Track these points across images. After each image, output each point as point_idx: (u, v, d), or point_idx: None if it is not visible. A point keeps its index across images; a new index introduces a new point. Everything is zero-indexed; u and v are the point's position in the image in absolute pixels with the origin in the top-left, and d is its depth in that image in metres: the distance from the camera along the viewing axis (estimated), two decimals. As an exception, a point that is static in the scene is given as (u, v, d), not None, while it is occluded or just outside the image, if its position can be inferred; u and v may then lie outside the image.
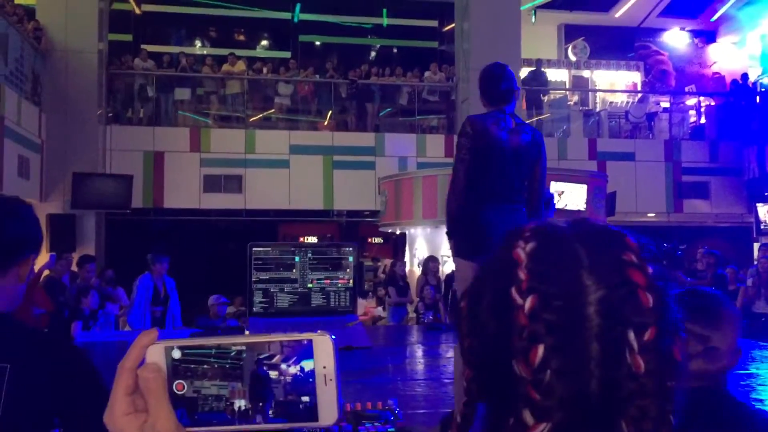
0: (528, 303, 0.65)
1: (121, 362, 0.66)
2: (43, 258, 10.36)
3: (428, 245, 11.69)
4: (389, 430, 2.56)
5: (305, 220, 14.32)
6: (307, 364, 0.66)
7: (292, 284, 2.88)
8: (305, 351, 0.66)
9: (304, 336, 0.67)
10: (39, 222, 1.55)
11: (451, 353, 6.60)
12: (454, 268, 9.90)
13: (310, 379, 0.66)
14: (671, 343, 0.67)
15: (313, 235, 15.02)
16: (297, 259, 2.90)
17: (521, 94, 13.73)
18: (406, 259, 12.06)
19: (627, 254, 0.67)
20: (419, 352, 6.80)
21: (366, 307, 6.88)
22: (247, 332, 2.75)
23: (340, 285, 2.91)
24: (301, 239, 14.99)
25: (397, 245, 13.98)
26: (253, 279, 2.82)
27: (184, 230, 13.97)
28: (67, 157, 11.42)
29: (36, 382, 1.37)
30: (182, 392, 0.66)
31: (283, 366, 0.66)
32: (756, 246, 13.37)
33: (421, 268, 10.50)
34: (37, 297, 7.75)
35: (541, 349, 0.64)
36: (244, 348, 0.66)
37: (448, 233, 3.52)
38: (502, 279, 0.68)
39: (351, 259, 2.97)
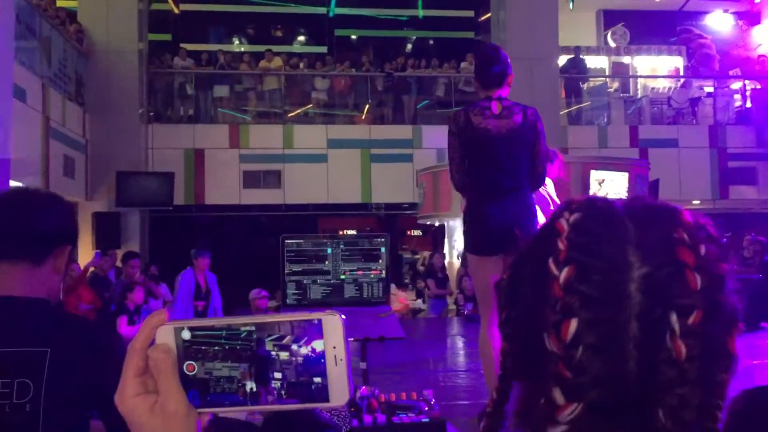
0: (564, 274, 0.62)
1: (131, 343, 0.67)
2: (89, 255, 10.64)
3: (467, 237, 11.65)
4: (423, 420, 2.56)
5: (344, 213, 14.38)
6: (318, 345, 0.66)
7: (325, 276, 2.90)
8: (315, 331, 0.66)
9: (314, 315, 0.66)
10: (73, 214, 1.59)
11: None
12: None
13: (321, 360, 0.66)
14: (724, 333, 0.62)
15: (352, 229, 15.09)
16: (329, 250, 2.91)
17: (560, 82, 13.57)
18: (445, 251, 12.05)
19: (678, 231, 0.64)
20: (459, 343, 6.80)
21: (400, 297, 6.87)
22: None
23: (372, 276, 2.92)
24: (341, 233, 15.08)
25: (435, 237, 13.95)
26: (286, 271, 2.85)
27: (224, 226, 14.18)
28: (110, 156, 11.65)
29: (75, 367, 1.41)
30: (193, 373, 0.67)
31: (294, 347, 0.66)
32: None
33: (460, 260, 10.48)
34: (83, 293, 7.95)
35: (574, 323, 0.61)
36: (254, 329, 0.66)
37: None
38: (542, 249, 0.65)
39: (383, 249, 2.97)
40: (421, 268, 12.21)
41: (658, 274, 0.62)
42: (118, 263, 9.08)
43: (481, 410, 3.51)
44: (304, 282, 2.84)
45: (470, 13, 17.58)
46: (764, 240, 8.97)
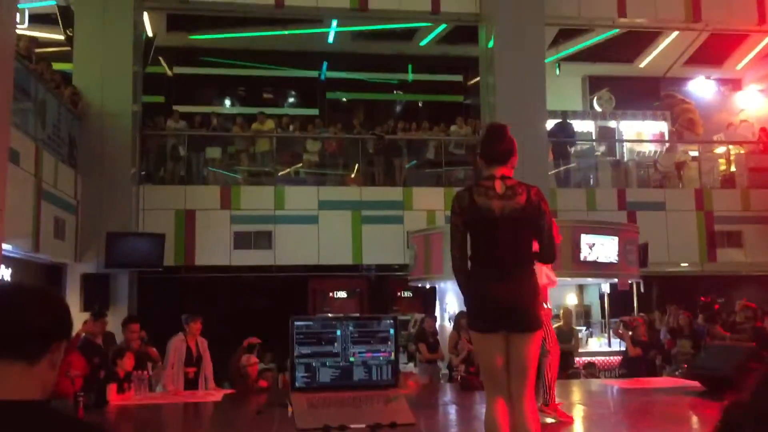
0: None
1: None
2: (77, 318, 10.49)
3: (458, 300, 11.61)
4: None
5: (335, 275, 14.34)
6: None
7: (334, 358, 2.88)
8: None
9: None
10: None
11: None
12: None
13: None
14: None
15: (343, 290, 15.03)
16: (338, 332, 2.90)
17: (548, 146, 13.78)
18: (437, 313, 11.99)
19: None
20: (452, 411, 6.70)
21: (411, 381, 6.80)
22: (290, 408, 2.74)
23: (381, 358, 2.90)
24: (331, 294, 15.00)
25: (426, 299, 13.90)
26: (296, 354, 2.83)
27: (215, 287, 14.07)
28: (101, 217, 11.63)
29: None
30: None
31: None
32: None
33: (452, 323, 10.42)
34: (74, 361, 7.81)
35: None
36: None
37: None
38: (765, 423, 0.62)
39: (392, 331, 2.96)
40: (411, 330, 12.13)
41: None
42: (109, 328, 8.94)
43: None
44: (313, 365, 2.82)
45: (459, 78, 17.94)
46: (756, 307, 9.02)
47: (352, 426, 2.67)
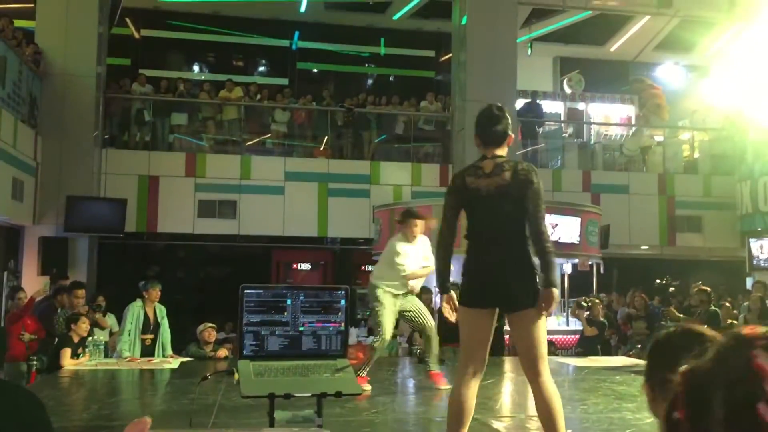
0: None
1: None
2: (34, 281, 10.33)
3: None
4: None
5: (299, 246, 14.30)
6: None
7: (284, 327, 2.86)
8: None
9: None
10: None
11: (443, 387, 6.54)
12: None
13: None
14: None
15: (307, 262, 15.01)
16: (289, 301, 2.88)
17: (517, 126, 13.83)
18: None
19: None
20: (411, 387, 6.76)
21: (358, 353, 6.90)
22: (236, 375, 2.73)
23: (331, 329, 2.90)
24: (295, 266, 14.97)
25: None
26: (244, 321, 2.81)
27: (177, 255, 13.95)
28: (61, 180, 11.42)
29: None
30: None
31: None
32: (749, 281, 13.44)
33: (414, 299, 10.47)
34: (28, 323, 7.71)
35: None
36: None
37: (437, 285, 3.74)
38: (738, 393, 0.62)
39: (343, 302, 2.96)
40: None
41: None
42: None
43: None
44: (262, 333, 2.81)
45: (431, 53, 17.86)
46: (710, 290, 9.21)
47: (298, 394, 2.67)
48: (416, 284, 6.29)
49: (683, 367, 0.71)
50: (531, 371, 3.40)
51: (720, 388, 0.64)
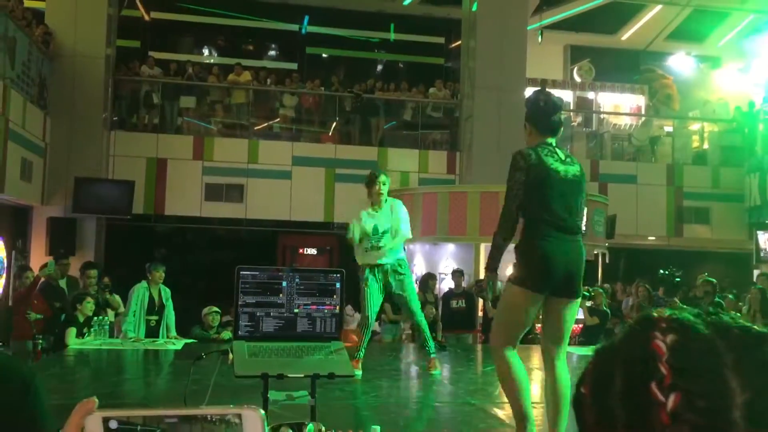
0: (671, 401, 0.60)
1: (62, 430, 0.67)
2: (42, 260, 10.42)
3: (426, 262, 11.70)
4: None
5: (305, 231, 14.33)
6: None
7: (279, 309, 2.89)
8: (227, 430, 0.67)
9: (234, 410, 0.67)
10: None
11: (445, 373, 6.59)
12: (452, 286, 9.84)
13: None
14: None
15: (313, 248, 15.04)
16: (284, 284, 2.91)
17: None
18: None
19: None
20: (413, 372, 6.80)
21: (352, 335, 6.83)
22: (230, 355, 2.76)
23: (326, 311, 2.92)
24: (301, 251, 15.01)
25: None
26: (240, 302, 2.84)
27: (183, 238, 14.01)
28: (70, 162, 11.48)
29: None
30: None
31: None
32: (756, 273, 13.39)
33: (418, 285, 10.50)
34: (35, 302, 7.78)
35: None
36: (168, 429, 0.67)
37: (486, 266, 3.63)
38: (636, 370, 0.63)
39: (339, 285, 2.98)
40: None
41: (762, 401, 0.61)
42: (72, 271, 8.91)
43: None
44: (257, 314, 2.84)
45: (441, 40, 17.78)
46: (715, 282, 9.19)
47: (291, 375, 2.70)
48: (385, 251, 5.81)
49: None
50: (557, 355, 3.48)
51: (621, 365, 0.66)
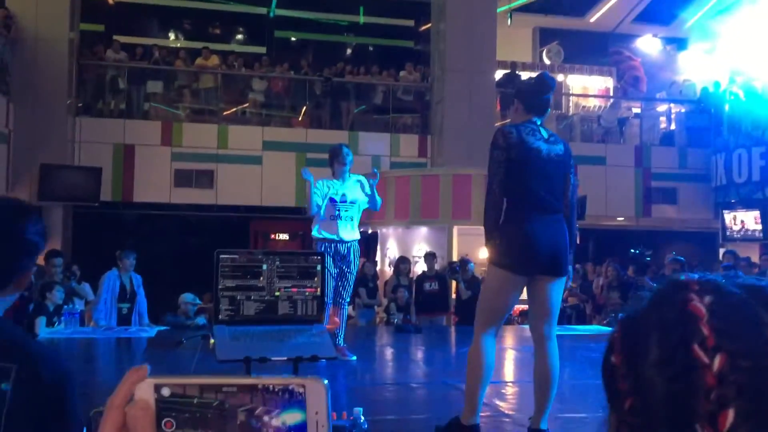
0: (717, 362, 0.60)
1: (110, 399, 0.64)
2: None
3: (399, 246, 11.71)
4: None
5: (277, 217, 14.24)
6: (298, 415, 0.64)
7: (259, 292, 2.86)
8: (297, 398, 0.64)
9: (298, 381, 0.65)
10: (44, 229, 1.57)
11: (420, 355, 6.63)
12: (425, 269, 9.86)
13: (303, 429, 0.64)
14: None
15: (285, 233, 14.96)
16: (264, 266, 2.88)
17: (496, 96, 13.81)
18: (377, 258, 12.06)
19: None
20: (389, 354, 6.82)
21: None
22: (212, 340, 2.73)
23: (307, 294, 2.90)
24: (273, 236, 14.93)
25: (368, 244, 13.94)
26: (220, 286, 2.80)
27: (153, 225, 13.83)
28: (35, 148, 11.24)
29: (37, 387, 1.36)
30: (171, 430, 0.64)
31: (266, 418, 0.64)
32: (721, 251, 13.64)
33: (392, 269, 10.51)
34: (0, 292, 7.62)
35: (731, 414, 0.58)
36: (226, 399, 0.64)
37: (487, 244, 3.51)
38: (674, 334, 0.62)
39: (318, 267, 2.95)
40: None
41: None
42: (40, 261, 8.74)
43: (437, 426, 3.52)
44: (238, 298, 2.80)
45: (411, 23, 17.70)
46: (682, 260, 9.34)
47: (274, 358, 2.68)
48: (343, 226, 5.67)
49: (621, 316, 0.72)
50: (545, 334, 3.44)
51: (655, 331, 0.65)
